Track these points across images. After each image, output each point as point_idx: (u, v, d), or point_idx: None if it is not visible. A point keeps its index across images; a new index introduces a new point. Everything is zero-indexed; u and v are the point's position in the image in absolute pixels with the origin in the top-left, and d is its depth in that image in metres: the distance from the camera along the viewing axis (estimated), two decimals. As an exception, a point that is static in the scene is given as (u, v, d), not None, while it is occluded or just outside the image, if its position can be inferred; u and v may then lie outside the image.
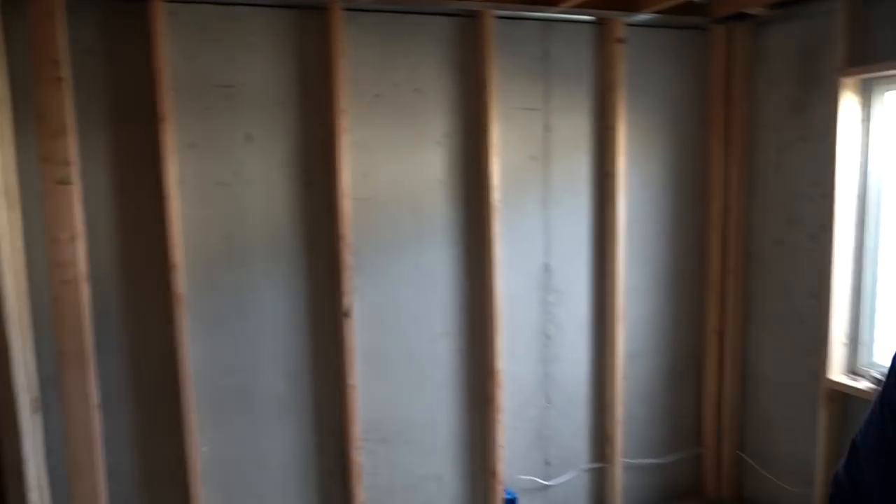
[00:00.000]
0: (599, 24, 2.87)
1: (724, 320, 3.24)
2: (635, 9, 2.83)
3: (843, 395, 2.76)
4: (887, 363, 2.61)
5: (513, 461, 2.91)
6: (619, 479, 3.09)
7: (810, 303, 2.88)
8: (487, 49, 2.62)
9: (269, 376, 2.50)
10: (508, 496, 2.85)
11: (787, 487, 3.03)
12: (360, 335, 2.57)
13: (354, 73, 2.51)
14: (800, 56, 2.86)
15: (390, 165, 2.61)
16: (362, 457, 2.61)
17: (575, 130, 2.90)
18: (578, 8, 2.70)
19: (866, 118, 2.64)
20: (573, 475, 3.06)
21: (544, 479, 3.00)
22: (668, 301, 3.19)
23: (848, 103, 2.62)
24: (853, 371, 2.78)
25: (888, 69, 2.47)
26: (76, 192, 2.13)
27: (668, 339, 3.22)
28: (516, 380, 2.90)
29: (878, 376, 2.58)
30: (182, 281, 2.32)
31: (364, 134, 2.54)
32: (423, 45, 2.61)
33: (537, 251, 2.90)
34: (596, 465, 3.11)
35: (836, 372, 2.77)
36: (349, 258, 2.52)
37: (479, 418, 2.83)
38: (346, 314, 2.53)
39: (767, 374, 3.14)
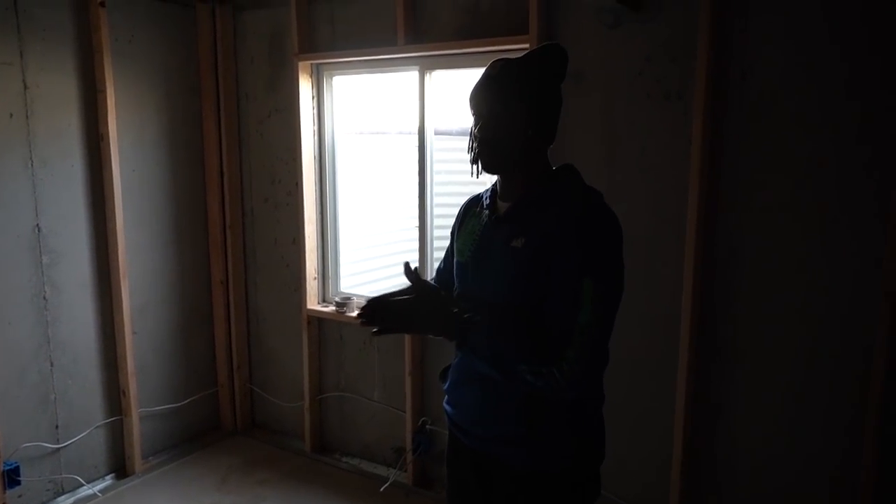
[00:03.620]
0: (79, -15, 2.91)
1: (228, 270, 3.66)
2: (115, -24, 2.95)
3: (318, 320, 3.45)
4: (350, 291, 3.39)
5: (14, 431, 2.81)
6: (136, 428, 3.24)
7: (292, 248, 3.48)
8: (-59, -6, 2.43)
9: None
10: (7, 466, 2.75)
11: (287, 405, 3.63)
12: None
13: None
14: (269, 40, 3.39)
15: None
16: None
17: (61, 90, 2.89)
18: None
19: (318, 95, 3.31)
20: (87, 433, 3.09)
21: (54, 443, 2.97)
22: (173, 256, 3.44)
23: (304, 83, 3.25)
24: (324, 300, 3.49)
25: (323, 59, 3.16)
26: None
27: (177, 292, 3.48)
28: (12, 346, 2.79)
29: (341, 300, 3.31)
30: None
31: None
32: None
33: (25, 213, 2.82)
34: (112, 419, 3.20)
35: (312, 302, 3.43)
36: None
37: (-35, 392, 2.65)
38: None
39: (266, 314, 3.68)
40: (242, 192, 3.64)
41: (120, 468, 3.25)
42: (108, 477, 3.20)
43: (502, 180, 1.46)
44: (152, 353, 3.38)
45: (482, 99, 1.39)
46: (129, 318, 3.18)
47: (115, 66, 3.03)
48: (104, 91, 2.99)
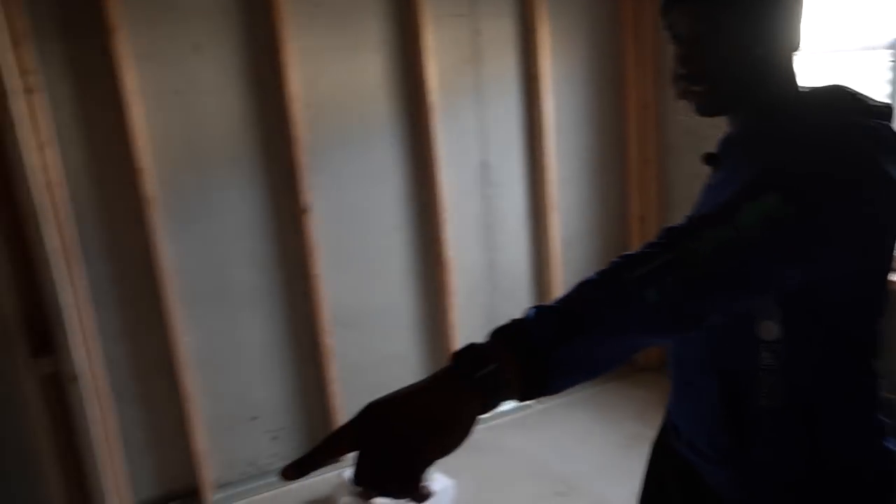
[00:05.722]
0: (518, -68, 3.10)
1: (645, 207, 3.61)
2: (550, -83, 3.06)
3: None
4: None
5: (465, 341, 3.22)
6: (561, 352, 3.46)
7: (717, 180, 3.25)
8: (416, -43, 2.81)
9: (240, 270, 2.73)
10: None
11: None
12: (320, 229, 2.80)
13: (293, -18, 2.67)
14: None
15: (333, 71, 2.80)
16: (332, 340, 2.88)
17: (502, 34, 3.15)
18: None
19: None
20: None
21: (496, 357, 3.34)
22: (594, 191, 3.52)
23: None
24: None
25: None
26: (40, 100, 2.25)
27: (597, 226, 3.57)
28: (465, 268, 3.19)
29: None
30: (151, 184, 2.50)
31: (308, 42, 2.72)
32: (356, -43, 2.78)
33: (475, 149, 3.16)
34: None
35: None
36: (304, 158, 2.72)
37: (433, 303, 3.13)
38: (306, 210, 2.75)
39: (685, 250, 3.54)
40: (662, 127, 3.52)
41: (547, 387, 3.52)
42: (537, 394, 3.49)
43: (729, 118, 1.06)
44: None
45: (681, 15, 0.97)
46: (558, 250, 3.37)
47: (548, 6, 3.17)
48: (539, 31, 3.16)
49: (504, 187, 3.26)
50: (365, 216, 2.94)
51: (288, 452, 2.94)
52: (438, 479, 2.68)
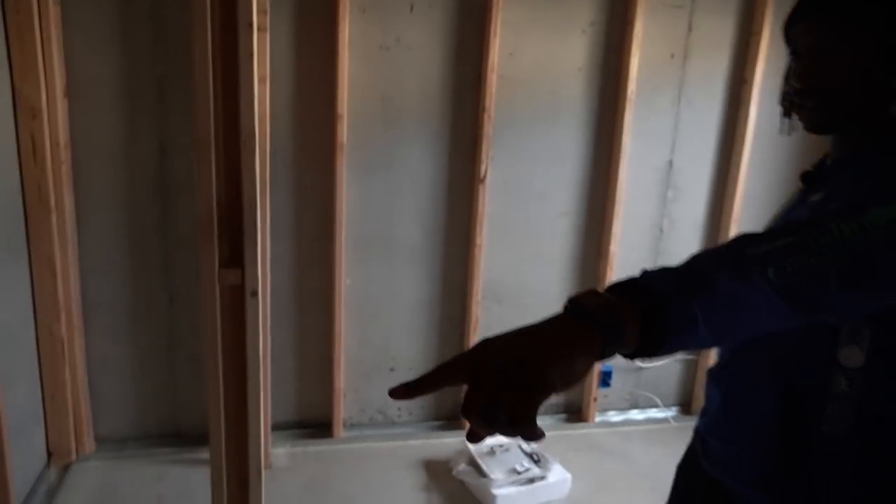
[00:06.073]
0: (759, -76, 2.87)
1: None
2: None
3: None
4: None
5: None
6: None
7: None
8: (643, -60, 2.70)
9: (407, 227, 2.82)
10: (605, 369, 3.11)
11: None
12: (490, 201, 2.83)
13: (513, -46, 2.66)
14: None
15: (535, 48, 2.78)
16: (480, 311, 2.91)
17: (718, 32, 2.95)
18: None
19: None
20: (669, 360, 3.26)
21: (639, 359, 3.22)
22: (784, 213, 3.25)
23: None
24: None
25: None
26: (266, 39, 2.43)
27: (779, 251, 3.30)
28: (626, 266, 3.09)
29: None
30: (344, 131, 2.63)
31: (515, 15, 2.71)
32: (580, -67, 2.72)
33: (663, 147, 3.02)
34: (690, 357, 3.30)
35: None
36: (489, 129, 2.74)
37: (587, 296, 3.05)
38: (481, 180, 2.78)
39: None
40: (880, 155, 3.16)
41: (686, 403, 3.35)
42: (674, 407, 3.34)
43: (834, 139, 1.02)
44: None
45: (807, 28, 0.97)
46: (729, 266, 3.15)
47: (774, 8, 2.92)
48: (759, 33, 2.93)
49: (685, 192, 3.10)
50: (536, 196, 2.92)
51: (415, 409, 3.04)
52: (556, 471, 2.66)
